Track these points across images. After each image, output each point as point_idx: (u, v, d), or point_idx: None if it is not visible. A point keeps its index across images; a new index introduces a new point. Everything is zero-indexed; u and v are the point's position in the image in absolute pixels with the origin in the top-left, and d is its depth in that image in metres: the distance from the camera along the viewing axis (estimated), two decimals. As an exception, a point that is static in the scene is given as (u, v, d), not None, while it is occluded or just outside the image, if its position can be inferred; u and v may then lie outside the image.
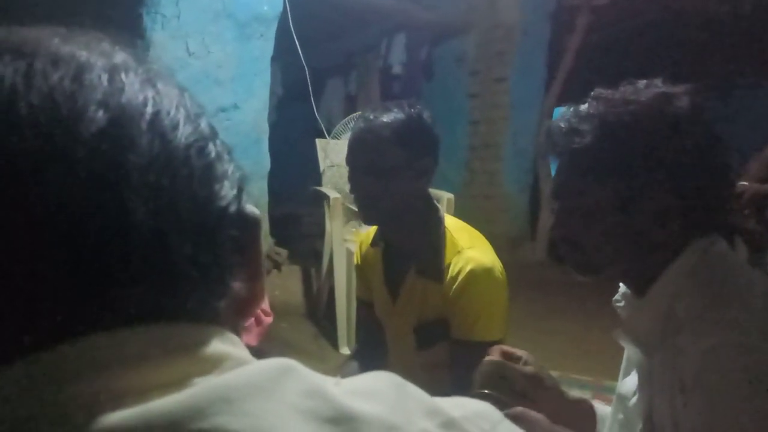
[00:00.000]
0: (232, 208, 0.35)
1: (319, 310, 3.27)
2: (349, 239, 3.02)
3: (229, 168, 0.36)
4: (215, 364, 0.31)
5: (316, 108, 3.59)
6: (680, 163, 0.78)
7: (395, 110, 1.24)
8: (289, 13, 3.12)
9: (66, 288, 0.28)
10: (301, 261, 3.66)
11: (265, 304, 1.88)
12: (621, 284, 0.94)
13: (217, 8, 2.78)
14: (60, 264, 0.28)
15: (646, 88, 0.83)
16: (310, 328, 3.16)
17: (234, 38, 2.87)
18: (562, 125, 0.86)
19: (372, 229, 1.45)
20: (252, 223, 0.38)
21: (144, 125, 0.30)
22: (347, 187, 1.33)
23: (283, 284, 3.39)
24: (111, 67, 0.32)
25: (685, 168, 0.78)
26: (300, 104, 3.79)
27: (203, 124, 0.35)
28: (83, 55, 0.32)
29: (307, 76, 3.34)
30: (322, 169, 3.34)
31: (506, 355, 0.99)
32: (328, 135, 3.44)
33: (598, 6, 4.55)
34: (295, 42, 3.19)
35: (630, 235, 0.82)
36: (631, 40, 5.26)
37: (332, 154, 3.31)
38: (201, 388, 0.28)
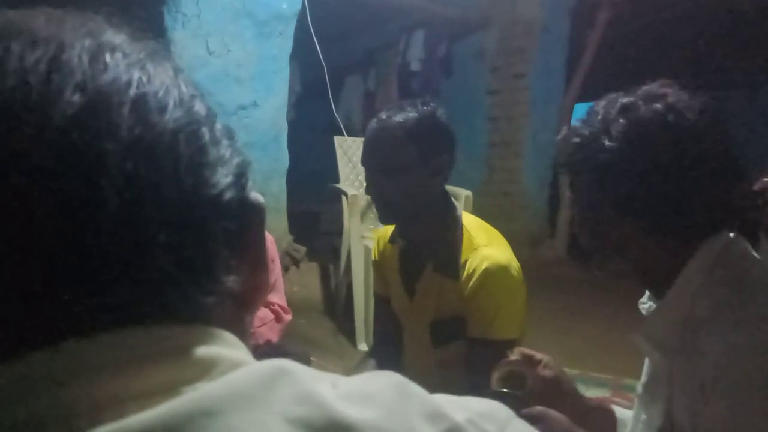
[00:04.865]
0: (228, 196, 0.32)
1: (337, 307, 3.29)
2: (367, 236, 3.03)
3: (227, 153, 0.33)
4: (205, 369, 0.29)
5: (335, 105, 3.60)
6: (692, 170, 0.78)
7: (408, 108, 1.24)
8: (308, 10, 3.13)
9: (33, 290, 0.26)
10: (319, 258, 3.67)
11: (284, 302, 1.90)
12: None
13: (236, 7, 2.81)
14: (25, 263, 0.26)
15: (653, 95, 0.83)
16: (329, 325, 3.18)
17: (253, 37, 2.89)
18: (575, 139, 0.87)
19: (390, 225, 1.46)
20: (254, 210, 0.35)
21: (125, 109, 0.28)
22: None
23: (302, 281, 3.41)
24: (95, 48, 0.29)
25: (697, 173, 0.78)
26: (319, 102, 3.81)
27: (197, 107, 0.33)
28: (67, 36, 0.29)
29: (326, 74, 3.35)
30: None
31: (526, 358, 0.98)
32: (347, 132, 3.44)
33: (619, 1, 4.49)
34: (313, 40, 3.20)
35: (646, 239, 0.83)
36: (652, 35, 5.18)
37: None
38: (182, 400, 0.26)
